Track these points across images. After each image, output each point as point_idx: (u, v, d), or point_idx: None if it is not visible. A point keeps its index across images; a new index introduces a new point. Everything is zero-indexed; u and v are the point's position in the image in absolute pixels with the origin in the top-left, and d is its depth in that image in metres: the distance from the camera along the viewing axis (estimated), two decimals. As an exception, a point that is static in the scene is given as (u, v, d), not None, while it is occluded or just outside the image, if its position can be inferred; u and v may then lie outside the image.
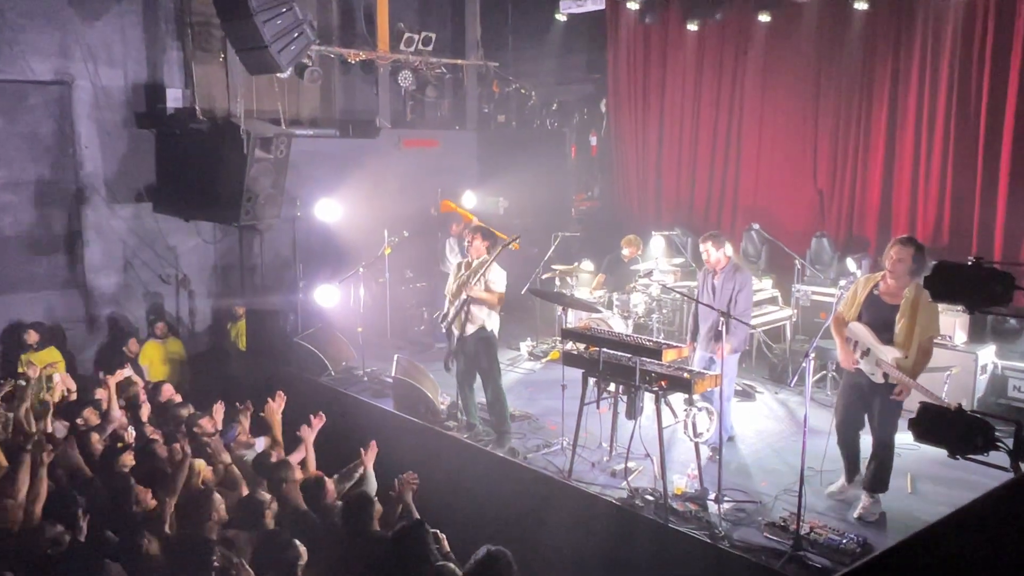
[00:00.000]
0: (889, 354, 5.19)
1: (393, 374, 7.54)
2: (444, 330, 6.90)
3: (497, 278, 6.60)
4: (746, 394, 7.90)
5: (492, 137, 12.19)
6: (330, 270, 9.34)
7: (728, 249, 6.54)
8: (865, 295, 5.39)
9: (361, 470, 5.35)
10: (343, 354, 8.73)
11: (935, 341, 5.47)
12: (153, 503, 4.65)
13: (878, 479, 5.41)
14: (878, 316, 5.30)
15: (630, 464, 5.98)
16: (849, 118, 9.08)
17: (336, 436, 6.19)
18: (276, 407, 5.95)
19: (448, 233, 9.72)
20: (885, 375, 5.22)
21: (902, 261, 5.17)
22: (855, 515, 5.40)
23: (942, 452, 2.71)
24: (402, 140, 11.12)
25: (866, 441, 5.56)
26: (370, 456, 5.38)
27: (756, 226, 8.88)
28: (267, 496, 4.69)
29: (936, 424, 2.74)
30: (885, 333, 5.23)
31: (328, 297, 8.46)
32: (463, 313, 6.59)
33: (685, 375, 5.60)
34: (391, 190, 10.59)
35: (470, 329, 6.61)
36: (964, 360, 7.03)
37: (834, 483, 5.78)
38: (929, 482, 5.91)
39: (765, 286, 8.81)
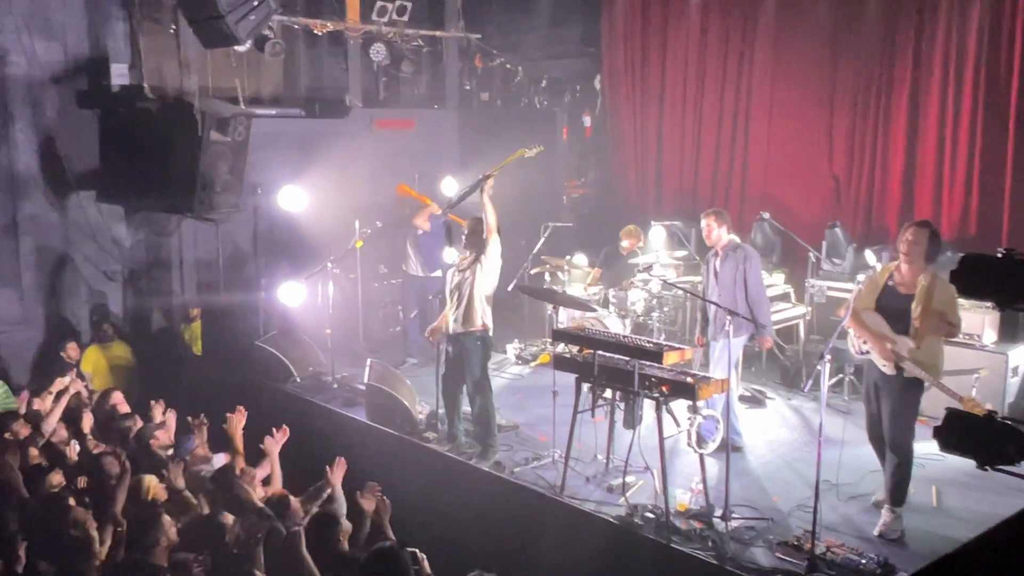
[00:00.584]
0: (903, 345, 5.26)
1: (366, 380, 7.53)
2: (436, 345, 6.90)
3: (492, 262, 6.58)
4: (756, 400, 7.93)
5: (475, 117, 12.16)
6: (295, 266, 9.30)
7: (729, 227, 6.70)
8: (882, 286, 5.48)
9: (329, 490, 5.33)
10: (310, 359, 8.71)
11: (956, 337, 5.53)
12: (94, 527, 4.59)
13: (896, 490, 5.48)
14: (894, 307, 5.39)
15: (628, 478, 6.00)
16: (868, 96, 9.13)
17: (303, 449, 6.16)
18: (237, 422, 5.91)
19: (410, 227, 9.37)
20: (899, 368, 5.29)
21: (917, 244, 5.26)
22: (876, 532, 5.44)
23: (970, 463, 2.73)
24: (375, 120, 11.08)
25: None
26: (337, 474, 5.37)
27: (766, 215, 8.92)
28: (230, 518, 4.67)
29: (963, 432, 2.76)
30: (900, 324, 5.31)
31: (293, 296, 8.44)
32: (462, 307, 6.57)
33: (689, 379, 5.62)
34: (363, 176, 10.54)
35: (464, 327, 6.59)
36: (994, 361, 7.09)
37: (877, 492, 5.83)
38: (956, 496, 5.97)
39: (777, 281, 8.86)
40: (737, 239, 6.79)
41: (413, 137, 11.42)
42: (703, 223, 6.73)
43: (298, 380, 8.46)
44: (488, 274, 6.58)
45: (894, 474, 5.47)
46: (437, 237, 9.29)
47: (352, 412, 7.63)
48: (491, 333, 6.69)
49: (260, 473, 5.57)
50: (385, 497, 5.04)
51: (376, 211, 9.47)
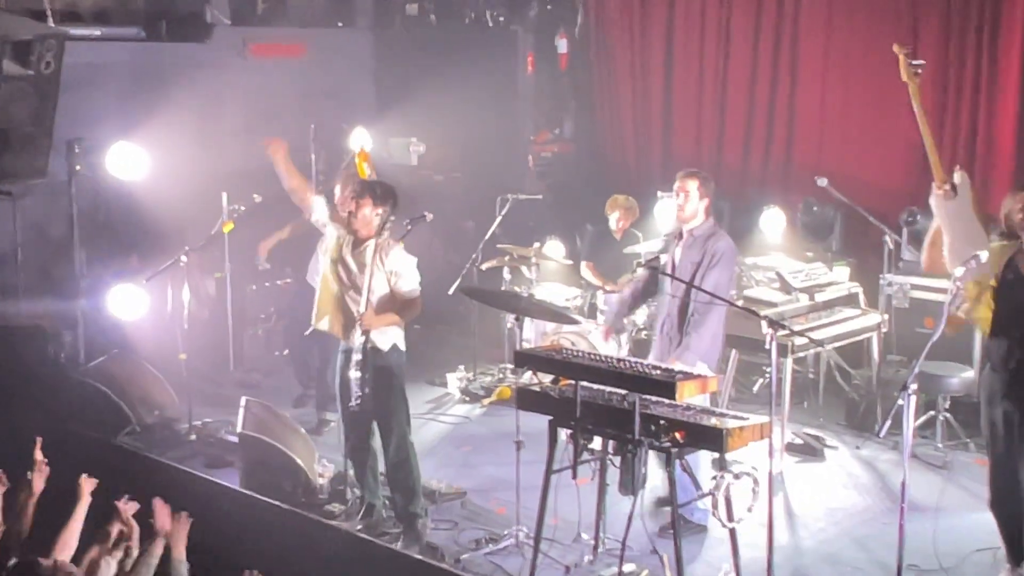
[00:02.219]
0: None
1: (239, 429, 7.47)
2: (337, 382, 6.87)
3: (405, 271, 6.58)
4: (810, 450, 7.99)
5: (398, 40, 12.12)
6: (133, 260, 9.25)
7: (710, 204, 6.87)
8: (998, 275, 5.57)
9: (158, 551, 5.27)
10: (155, 398, 8.67)
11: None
12: None
13: None
14: (1020, 302, 5.49)
15: (627, 568, 5.98)
16: (966, 24, 9.24)
17: (145, 531, 6.08)
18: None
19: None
20: None
21: None
22: None
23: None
24: (249, 45, 11.03)
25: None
26: (169, 525, 5.31)
27: (824, 182, 8.97)
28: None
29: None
30: None
31: (130, 304, 8.37)
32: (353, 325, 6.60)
33: (714, 422, 5.62)
34: (232, 128, 10.49)
35: (365, 343, 6.62)
36: None
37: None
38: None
39: (838, 278, 8.93)
40: (712, 222, 6.92)
41: (306, 69, 11.39)
42: (679, 183, 6.84)
43: (138, 429, 8.40)
44: (396, 296, 6.70)
45: None
46: None
47: (218, 475, 7.54)
48: (399, 346, 6.76)
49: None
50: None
51: (253, 179, 9.37)
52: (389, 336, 6.65)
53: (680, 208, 6.86)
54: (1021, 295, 5.52)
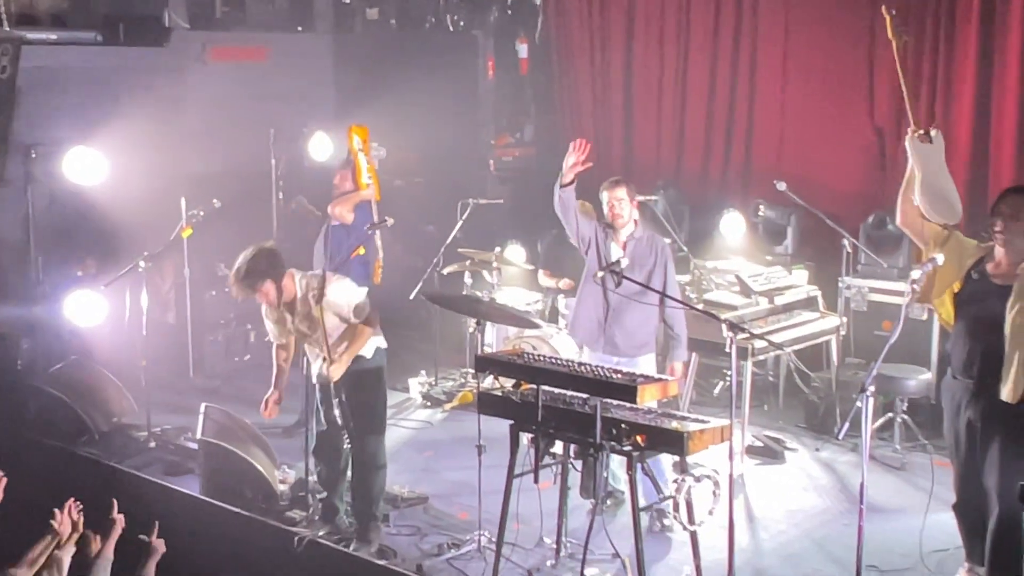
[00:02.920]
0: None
1: (199, 436, 7.46)
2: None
3: (342, 297, 6.54)
4: (770, 452, 8.04)
5: (358, 45, 12.12)
6: (89, 265, 9.19)
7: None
8: (964, 275, 5.58)
9: (109, 553, 5.24)
10: (114, 404, 8.61)
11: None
12: None
13: (1008, 561, 5.58)
14: (984, 308, 5.49)
15: (589, 571, 5.99)
16: (923, 23, 9.32)
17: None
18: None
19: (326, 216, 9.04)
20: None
21: (1018, 219, 5.38)
22: None
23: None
24: (209, 49, 10.99)
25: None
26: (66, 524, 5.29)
27: (782, 185, 9.03)
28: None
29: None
30: (991, 335, 5.42)
31: (88, 310, 8.30)
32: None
33: (675, 425, 5.65)
34: (191, 132, 10.44)
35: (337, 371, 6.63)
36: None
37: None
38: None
39: (797, 281, 9.00)
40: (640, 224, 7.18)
41: (266, 73, 11.37)
42: (610, 196, 6.99)
43: (96, 437, 8.34)
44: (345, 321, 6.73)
45: (1006, 541, 5.58)
46: (358, 237, 8.69)
47: (178, 483, 7.52)
48: (377, 350, 6.78)
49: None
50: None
51: (212, 183, 9.36)
52: (371, 343, 6.66)
53: (614, 213, 6.99)
54: (983, 299, 5.51)
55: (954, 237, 5.73)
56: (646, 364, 6.88)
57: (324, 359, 6.57)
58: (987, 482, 5.63)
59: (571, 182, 6.79)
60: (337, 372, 6.51)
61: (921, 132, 5.89)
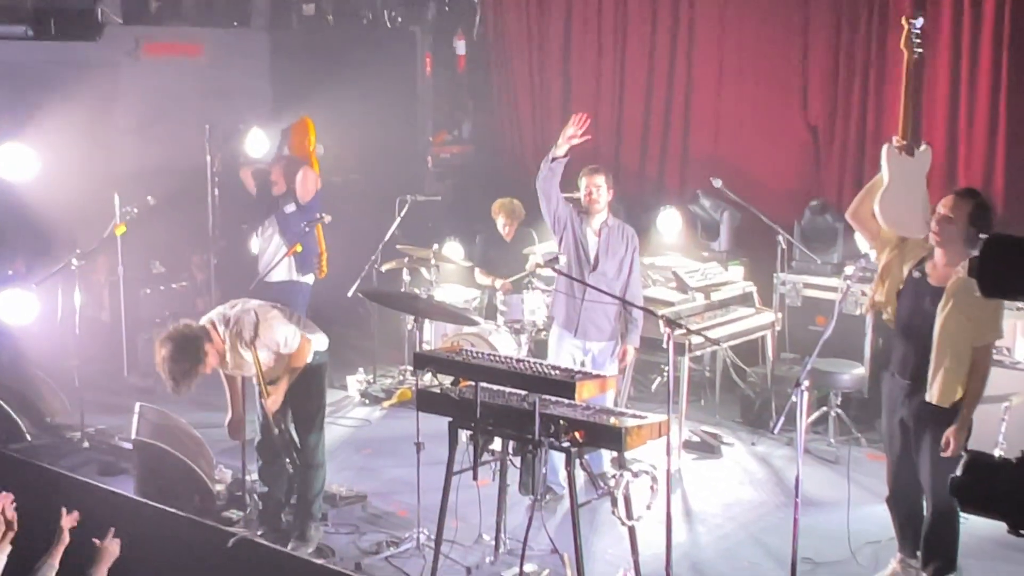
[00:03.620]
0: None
1: (134, 436, 7.37)
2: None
3: (271, 337, 6.41)
4: (707, 447, 8.11)
5: (295, 40, 12.05)
6: (19, 264, 9.08)
7: None
8: (905, 275, 5.67)
9: (56, 561, 5.19)
10: (47, 404, 8.55)
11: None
12: None
13: (946, 554, 5.74)
14: (919, 308, 5.59)
15: (528, 567, 6.02)
16: (856, 22, 9.44)
17: (34, 544, 5.95)
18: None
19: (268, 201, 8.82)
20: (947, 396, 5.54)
21: (953, 221, 5.45)
22: None
23: (999, 526, 2.85)
24: (142, 44, 10.89)
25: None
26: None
27: (718, 182, 9.13)
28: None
29: (989, 484, 2.86)
30: (925, 336, 5.52)
31: (19, 309, 8.16)
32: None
33: (612, 421, 5.69)
34: (125, 128, 10.38)
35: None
36: (1028, 384, 7.47)
37: (881, 572, 6.07)
38: (982, 574, 6.23)
39: (733, 277, 9.09)
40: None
41: (201, 69, 11.30)
42: (588, 181, 7.19)
43: (29, 438, 8.27)
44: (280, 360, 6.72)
45: (941, 534, 5.72)
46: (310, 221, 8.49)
47: (113, 483, 7.39)
48: (318, 351, 6.76)
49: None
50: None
51: (147, 180, 9.26)
52: (310, 346, 6.63)
53: (594, 202, 7.17)
54: (919, 300, 5.60)
55: (908, 243, 5.79)
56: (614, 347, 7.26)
57: (260, 394, 6.52)
58: (921, 478, 5.74)
59: (565, 155, 6.94)
60: (274, 405, 6.47)
61: (903, 143, 5.87)
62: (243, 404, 6.77)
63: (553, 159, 6.92)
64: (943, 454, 5.46)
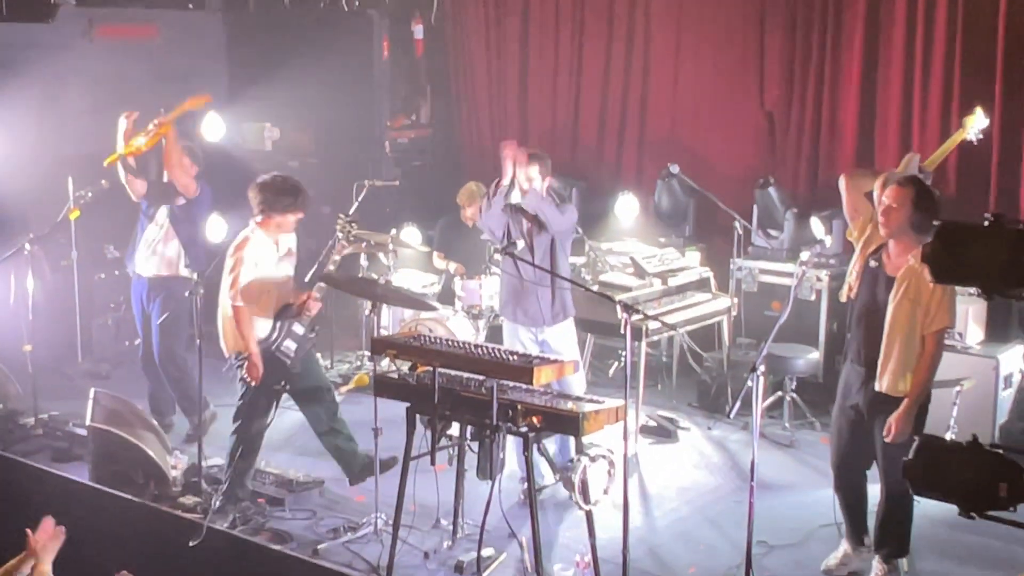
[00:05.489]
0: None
1: (88, 422, 7.33)
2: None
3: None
4: (663, 432, 8.16)
5: (251, 23, 11.98)
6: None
7: None
8: (865, 261, 5.74)
9: (26, 569, 5.12)
10: (-1, 390, 8.44)
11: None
12: None
13: (901, 537, 5.83)
14: (874, 297, 5.66)
15: (485, 552, 6.04)
16: (811, 10, 9.49)
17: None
18: None
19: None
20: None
21: (898, 209, 5.51)
22: None
23: (950, 509, 2.89)
24: (95, 26, 10.75)
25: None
26: (44, 540, 5.16)
27: (675, 168, 9.17)
28: None
29: (940, 467, 2.90)
30: (880, 324, 5.59)
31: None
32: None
33: (570, 406, 5.71)
34: (78, 111, 10.24)
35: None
36: (980, 368, 7.56)
37: (833, 553, 6.12)
38: (934, 555, 6.32)
39: (690, 263, 9.12)
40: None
41: (155, 51, 11.18)
42: (526, 174, 6.95)
43: (-19, 424, 8.15)
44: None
45: (894, 518, 5.80)
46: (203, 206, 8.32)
47: (67, 470, 7.38)
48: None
49: None
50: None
51: (101, 163, 9.14)
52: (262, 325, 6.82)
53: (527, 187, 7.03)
54: (875, 288, 5.66)
55: (874, 232, 5.81)
56: (563, 330, 7.08)
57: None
58: (877, 464, 5.82)
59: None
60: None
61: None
62: None
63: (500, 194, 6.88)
64: (885, 439, 5.55)
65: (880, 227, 5.58)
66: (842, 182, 6.03)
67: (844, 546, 6.10)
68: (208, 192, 8.21)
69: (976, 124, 6.51)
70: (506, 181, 6.81)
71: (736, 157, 10.04)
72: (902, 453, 5.55)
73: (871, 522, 6.01)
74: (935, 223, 5.69)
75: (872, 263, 5.70)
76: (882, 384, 5.57)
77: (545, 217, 6.85)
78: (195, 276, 7.27)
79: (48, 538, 5.26)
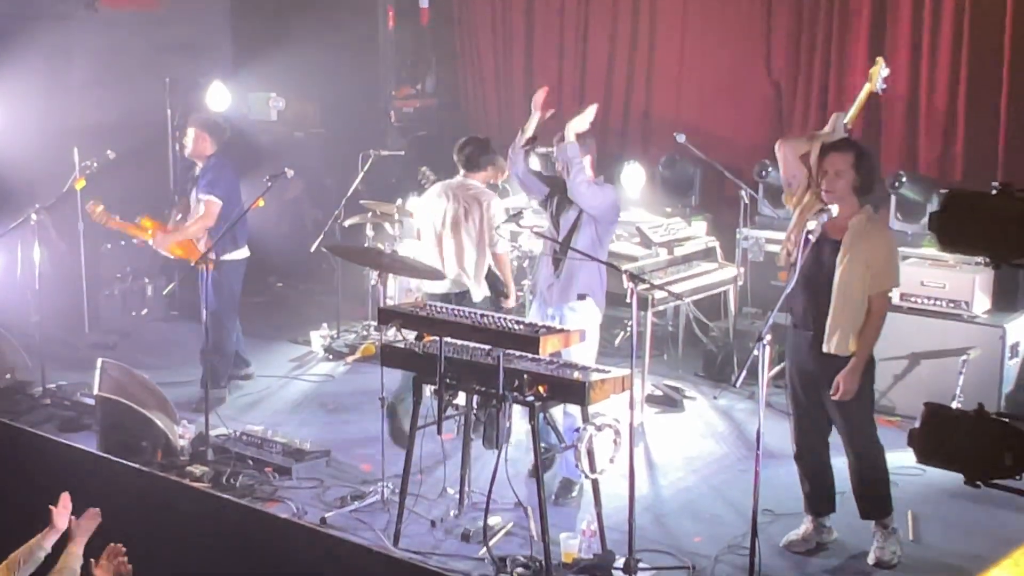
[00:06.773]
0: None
1: (96, 391, 7.37)
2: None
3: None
4: (668, 401, 8.17)
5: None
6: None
7: None
8: (801, 228, 5.69)
9: (48, 544, 5.16)
10: (7, 360, 8.47)
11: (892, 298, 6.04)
12: None
13: (877, 499, 5.84)
14: (819, 261, 5.68)
15: (492, 520, 6.07)
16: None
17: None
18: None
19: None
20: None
21: (840, 175, 5.59)
22: (871, 561, 5.81)
23: (956, 477, 2.90)
24: (99, -4, 10.72)
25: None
26: (62, 515, 5.19)
27: (682, 137, 9.13)
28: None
29: (946, 436, 2.91)
30: (826, 288, 5.64)
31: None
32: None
33: (576, 375, 5.72)
34: (83, 82, 10.26)
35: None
36: (987, 338, 7.55)
37: (794, 529, 6.13)
38: (939, 523, 6.36)
39: (696, 232, 9.11)
40: None
41: (160, 22, 11.16)
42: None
43: (-10, 394, 8.19)
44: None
45: (865, 480, 5.82)
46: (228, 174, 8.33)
47: (75, 439, 7.36)
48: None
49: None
50: (130, 566, 4.92)
51: (106, 134, 9.18)
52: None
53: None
54: (819, 252, 5.65)
55: (809, 195, 5.85)
56: (582, 309, 6.78)
57: None
58: (838, 431, 5.85)
59: (533, 137, 6.93)
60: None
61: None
62: None
63: (522, 145, 6.81)
64: (832, 397, 5.62)
65: (824, 195, 5.62)
66: (778, 149, 6.08)
67: (805, 523, 6.08)
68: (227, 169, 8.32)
69: (880, 74, 6.61)
70: (529, 133, 6.83)
71: (742, 127, 10.02)
72: (861, 414, 5.66)
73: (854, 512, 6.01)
74: (876, 182, 5.80)
75: (813, 226, 5.63)
76: (830, 345, 5.64)
77: (571, 178, 6.64)
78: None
79: (89, 520, 5.31)
